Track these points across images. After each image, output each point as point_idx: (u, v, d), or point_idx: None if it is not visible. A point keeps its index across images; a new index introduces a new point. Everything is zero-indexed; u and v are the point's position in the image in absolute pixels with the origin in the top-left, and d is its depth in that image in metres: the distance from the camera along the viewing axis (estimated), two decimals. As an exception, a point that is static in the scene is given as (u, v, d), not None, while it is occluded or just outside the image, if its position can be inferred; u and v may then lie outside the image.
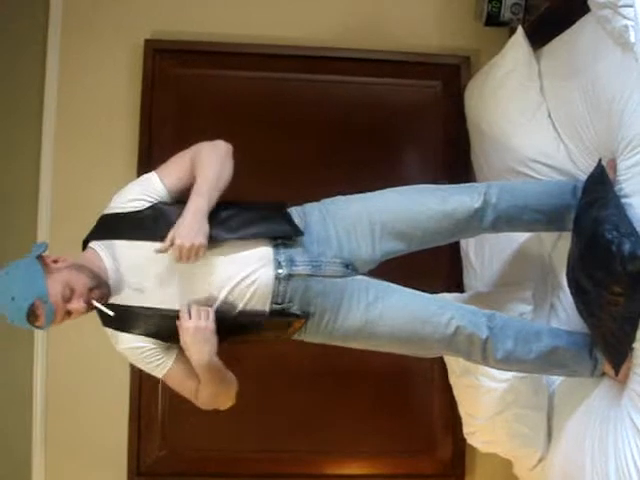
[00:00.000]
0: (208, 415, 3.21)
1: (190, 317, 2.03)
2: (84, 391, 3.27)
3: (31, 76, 3.32)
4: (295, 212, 2.26)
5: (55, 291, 1.95)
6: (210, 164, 2.10)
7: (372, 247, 2.27)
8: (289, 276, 2.12)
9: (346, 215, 2.26)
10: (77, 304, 1.98)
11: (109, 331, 2.14)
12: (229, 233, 2.10)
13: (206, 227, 2.02)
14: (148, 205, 2.09)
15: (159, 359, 2.15)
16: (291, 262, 2.13)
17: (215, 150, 2.15)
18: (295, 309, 2.15)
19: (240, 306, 2.11)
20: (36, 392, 3.24)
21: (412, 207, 2.30)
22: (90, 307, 2.02)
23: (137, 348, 2.13)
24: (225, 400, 2.24)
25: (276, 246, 2.14)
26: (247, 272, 2.09)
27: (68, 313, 2.00)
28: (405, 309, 2.24)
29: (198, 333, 2.03)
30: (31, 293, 1.93)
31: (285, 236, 2.16)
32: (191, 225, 1.99)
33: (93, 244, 2.11)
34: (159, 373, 2.18)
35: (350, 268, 2.23)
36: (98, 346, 3.16)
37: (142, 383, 3.24)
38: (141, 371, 3.14)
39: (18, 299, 1.93)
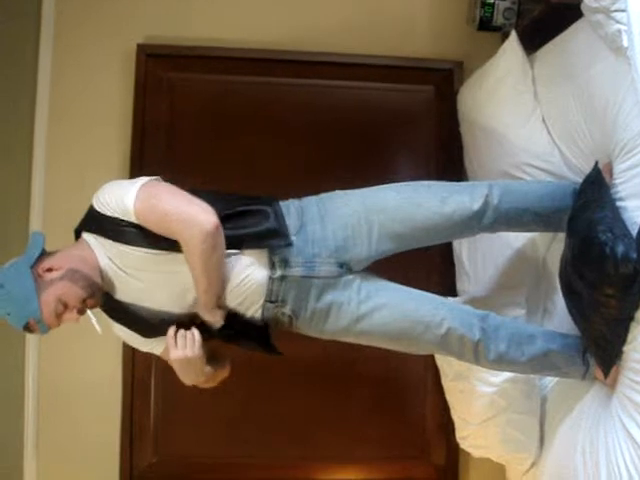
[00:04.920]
0: (200, 421, 3.23)
1: (176, 345, 2.05)
2: (76, 396, 3.25)
3: (23, 81, 3.30)
4: (292, 207, 2.23)
5: (48, 310, 1.99)
6: (198, 271, 2.02)
7: (368, 247, 2.24)
8: (283, 277, 2.12)
9: (344, 214, 2.23)
10: (70, 315, 2.02)
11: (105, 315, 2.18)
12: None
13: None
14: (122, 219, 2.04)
15: (152, 344, 2.21)
16: (285, 263, 2.13)
17: (198, 249, 1.98)
18: (288, 309, 2.16)
19: (233, 305, 2.12)
20: (28, 397, 3.22)
21: (410, 208, 2.27)
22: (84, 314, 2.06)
23: (131, 335, 2.19)
24: (212, 384, 2.30)
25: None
26: (242, 276, 2.10)
27: (62, 321, 2.05)
28: (396, 308, 2.23)
29: (184, 362, 2.07)
30: (25, 314, 1.98)
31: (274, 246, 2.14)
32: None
33: (87, 236, 2.09)
34: (154, 352, 2.25)
35: (345, 267, 2.21)
36: (91, 351, 3.18)
37: (135, 389, 3.23)
38: (134, 377, 3.18)
39: (13, 316, 1.99)
